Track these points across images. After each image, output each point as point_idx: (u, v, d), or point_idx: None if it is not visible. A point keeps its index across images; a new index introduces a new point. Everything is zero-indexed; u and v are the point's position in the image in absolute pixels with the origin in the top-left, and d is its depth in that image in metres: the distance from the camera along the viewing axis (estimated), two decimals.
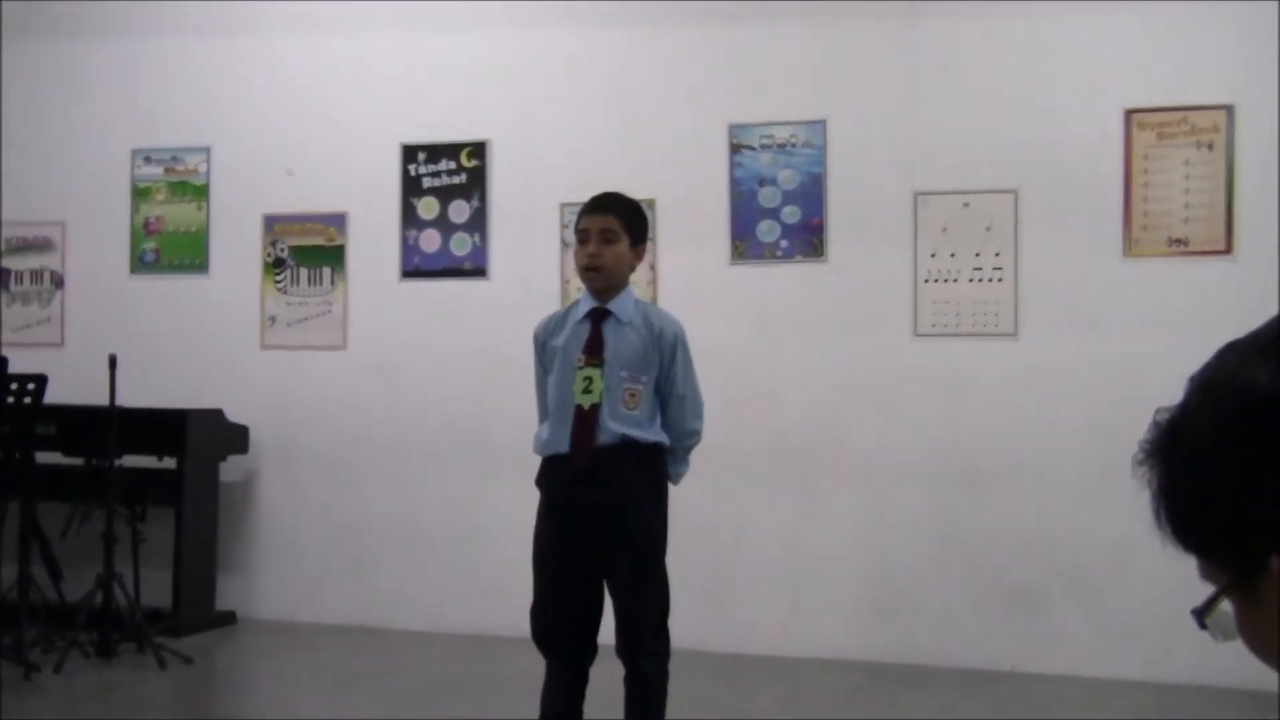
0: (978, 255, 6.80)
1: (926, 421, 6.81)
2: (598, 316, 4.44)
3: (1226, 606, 1.21)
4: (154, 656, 6.50)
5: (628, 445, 4.34)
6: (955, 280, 6.82)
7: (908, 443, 6.83)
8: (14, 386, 6.21)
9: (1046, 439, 6.65)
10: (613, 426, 4.33)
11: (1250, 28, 6.42)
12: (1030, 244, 6.72)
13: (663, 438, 4.42)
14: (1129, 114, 6.60)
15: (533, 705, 4.51)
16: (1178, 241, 6.54)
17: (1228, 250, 6.46)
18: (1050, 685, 6.34)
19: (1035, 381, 6.69)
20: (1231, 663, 6.04)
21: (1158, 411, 1.22)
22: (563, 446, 4.37)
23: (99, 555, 6.69)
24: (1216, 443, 1.15)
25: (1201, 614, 1.23)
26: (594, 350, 4.39)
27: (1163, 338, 6.44)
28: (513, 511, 6.52)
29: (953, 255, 6.83)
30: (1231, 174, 6.46)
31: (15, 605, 6.54)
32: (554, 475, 4.43)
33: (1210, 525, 1.17)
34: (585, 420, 4.35)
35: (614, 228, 4.41)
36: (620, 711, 4.43)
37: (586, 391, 4.35)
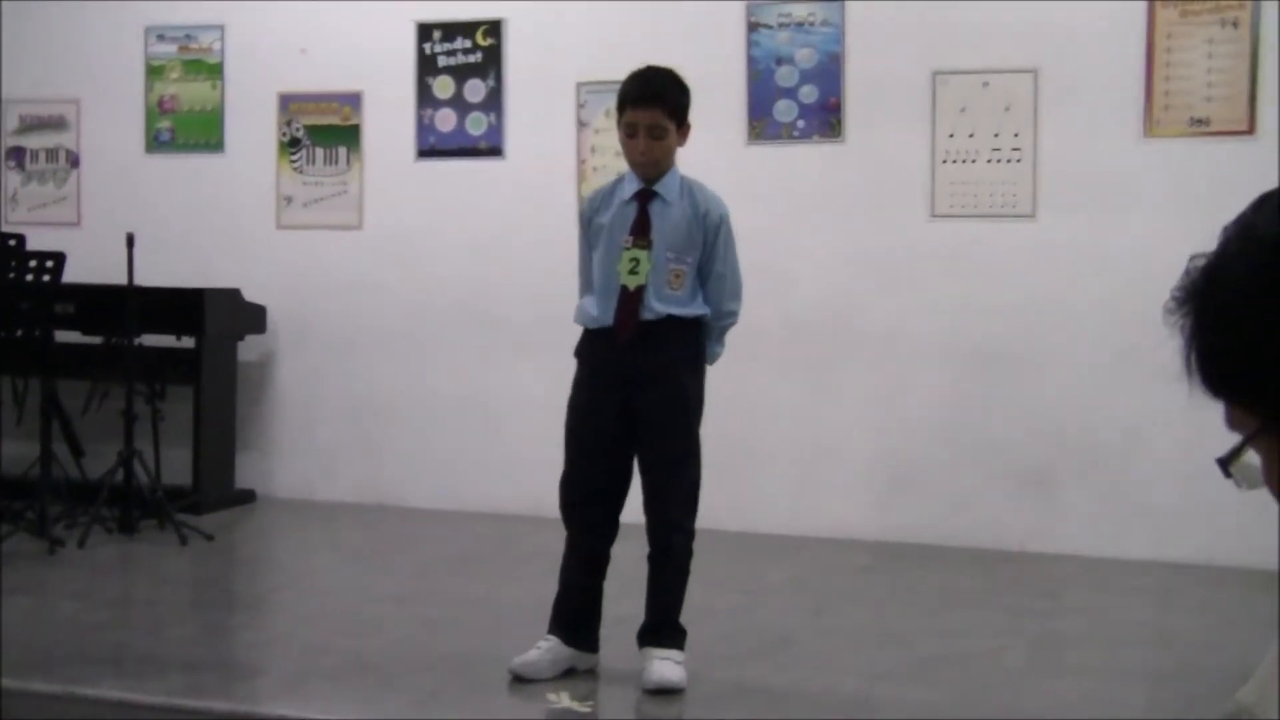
0: (996, 135, 6.74)
1: (941, 302, 6.80)
2: (644, 198, 4.45)
3: (1251, 456, 1.22)
4: (175, 532, 6.58)
5: (670, 320, 4.39)
6: (973, 161, 6.78)
7: (922, 323, 6.83)
8: (33, 264, 6.23)
9: (1062, 320, 6.64)
10: (657, 306, 4.40)
11: None
12: (1050, 124, 6.66)
13: (705, 310, 4.48)
14: None
15: (551, 582, 4.58)
16: (1199, 121, 6.47)
17: (1250, 130, 6.39)
18: (1058, 564, 6.40)
19: (1052, 263, 6.66)
20: (1237, 543, 6.12)
21: (1192, 258, 1.23)
22: (608, 321, 4.42)
23: (119, 433, 6.75)
24: (1254, 286, 1.16)
25: (1226, 462, 1.25)
26: (641, 232, 4.42)
27: (1182, 219, 6.37)
28: (527, 390, 6.59)
29: (971, 135, 6.77)
30: (1256, 53, 6.37)
31: (38, 481, 6.62)
32: (595, 344, 4.49)
33: (1243, 369, 1.18)
34: (630, 300, 4.40)
35: (662, 122, 4.40)
36: (637, 588, 4.50)
37: (633, 273, 4.39)
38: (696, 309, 4.46)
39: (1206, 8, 6.44)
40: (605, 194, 4.59)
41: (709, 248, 4.47)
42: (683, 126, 4.49)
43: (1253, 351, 1.16)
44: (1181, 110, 6.51)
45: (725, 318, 4.57)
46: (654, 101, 4.42)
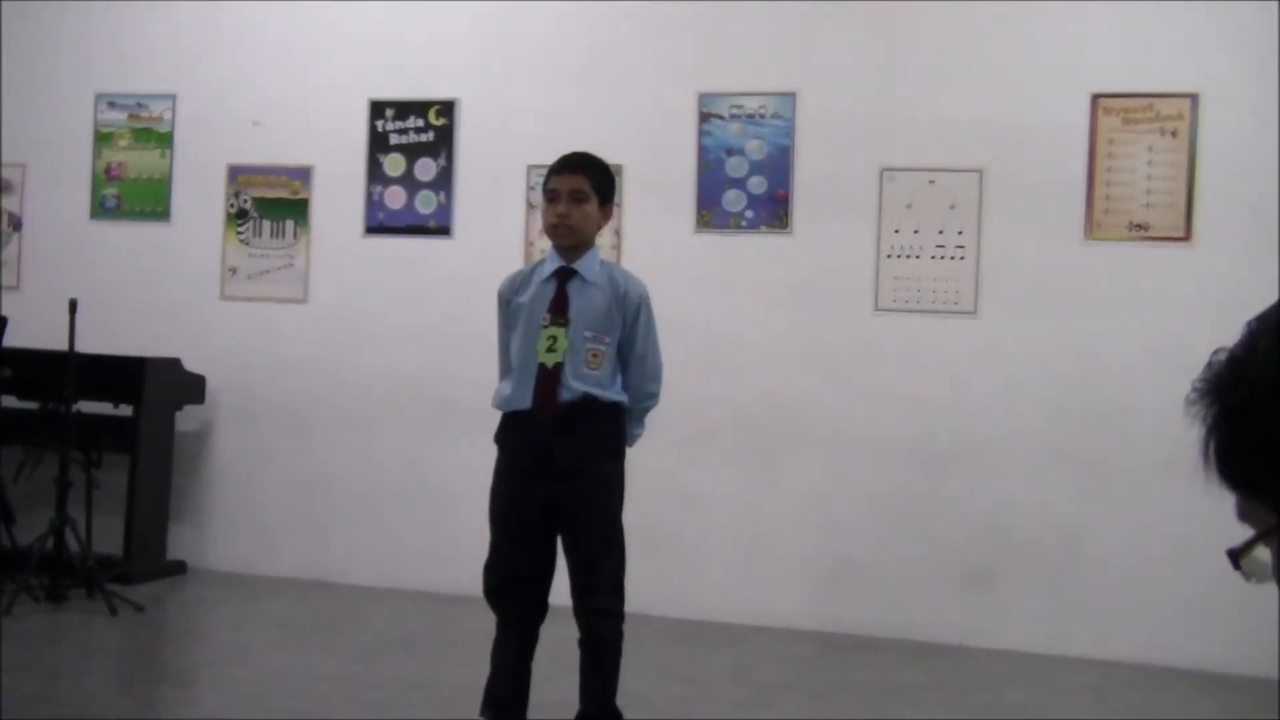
0: (941, 233, 6.84)
1: (884, 396, 6.86)
2: (563, 276, 4.46)
3: (1262, 551, 1.25)
4: (104, 602, 6.48)
5: (589, 403, 4.38)
6: (918, 257, 6.87)
7: (865, 416, 6.88)
8: None
9: (1003, 417, 6.72)
10: (575, 385, 4.37)
11: (1218, 17, 6.48)
12: (993, 224, 6.77)
13: (623, 397, 4.47)
14: (1096, 98, 6.65)
15: (486, 664, 4.54)
16: (1138, 226, 6.61)
17: (1187, 237, 6.52)
18: (997, 660, 6.42)
19: (993, 360, 6.75)
20: (1174, 643, 6.19)
21: (1215, 352, 1.26)
22: (525, 403, 4.40)
23: (52, 500, 6.66)
24: (1279, 382, 1.19)
25: (1238, 555, 1.27)
26: (559, 310, 4.42)
27: (1120, 321, 6.51)
28: (472, 470, 6.51)
29: (916, 232, 6.87)
30: (1194, 162, 6.52)
31: None
32: (515, 431, 4.46)
33: (1263, 464, 1.21)
34: (549, 378, 4.38)
35: (584, 188, 4.43)
36: (569, 670, 4.47)
37: (550, 350, 4.39)
38: (614, 394, 4.45)
39: (1148, 116, 6.60)
40: (525, 275, 4.60)
41: (629, 328, 4.47)
42: (605, 205, 4.52)
43: (1274, 447, 1.19)
44: (1121, 215, 6.64)
45: (646, 399, 4.57)
46: (576, 169, 4.47)
